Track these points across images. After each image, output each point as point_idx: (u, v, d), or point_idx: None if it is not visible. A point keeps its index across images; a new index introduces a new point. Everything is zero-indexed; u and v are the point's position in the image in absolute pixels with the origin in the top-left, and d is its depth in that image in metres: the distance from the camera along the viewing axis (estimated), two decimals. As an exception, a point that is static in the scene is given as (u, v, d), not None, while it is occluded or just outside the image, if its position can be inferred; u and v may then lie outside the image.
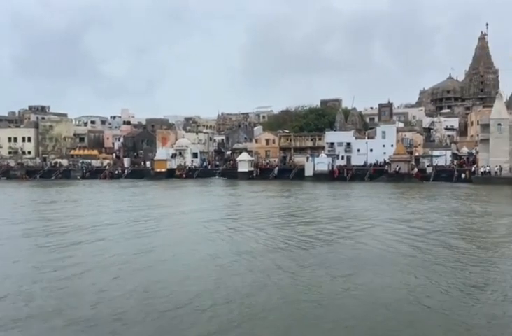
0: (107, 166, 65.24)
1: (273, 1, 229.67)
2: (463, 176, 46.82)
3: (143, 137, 71.23)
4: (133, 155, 69.67)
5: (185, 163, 62.56)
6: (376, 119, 74.11)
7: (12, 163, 66.66)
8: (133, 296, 9.66)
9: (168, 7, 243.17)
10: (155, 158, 61.30)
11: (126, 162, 66.55)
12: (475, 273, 11.35)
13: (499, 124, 46.40)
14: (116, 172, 62.12)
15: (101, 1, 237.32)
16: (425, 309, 8.81)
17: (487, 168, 45.74)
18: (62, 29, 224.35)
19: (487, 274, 11.32)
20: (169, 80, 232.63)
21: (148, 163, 63.57)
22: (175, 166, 61.34)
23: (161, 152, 61.78)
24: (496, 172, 45.25)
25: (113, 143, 76.48)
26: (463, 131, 70.65)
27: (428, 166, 50.64)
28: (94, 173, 61.59)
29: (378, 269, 11.71)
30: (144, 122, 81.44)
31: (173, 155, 62.55)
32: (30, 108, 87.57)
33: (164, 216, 22.27)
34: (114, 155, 71.44)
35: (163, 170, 59.80)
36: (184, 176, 58.88)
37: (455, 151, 56.21)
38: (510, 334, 7.92)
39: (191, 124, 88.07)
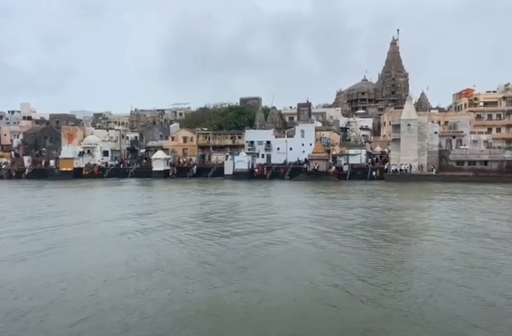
0: (4, 166, 58.59)
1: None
2: (374, 173, 48.05)
3: (46, 134, 65.02)
4: (34, 153, 63.22)
5: (89, 162, 57.72)
6: (295, 118, 74.69)
7: None
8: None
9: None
10: (60, 156, 56.68)
11: (26, 160, 60.20)
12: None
13: (409, 125, 48.44)
14: (14, 173, 56.16)
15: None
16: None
17: (400, 166, 47.43)
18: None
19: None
20: (80, 76, 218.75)
21: (52, 162, 58.08)
22: (83, 165, 56.79)
23: (67, 150, 56.97)
24: (406, 170, 47.19)
25: (12, 140, 69.76)
26: (377, 131, 73.58)
27: (345, 164, 51.46)
28: (-11, 174, 55.93)
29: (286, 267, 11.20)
30: (48, 118, 74.28)
31: (81, 153, 57.87)
32: None
33: (64, 220, 19.25)
34: (12, 153, 64.37)
35: (69, 169, 55.32)
36: (95, 173, 54.58)
37: (369, 150, 57.94)
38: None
39: (101, 120, 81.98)
